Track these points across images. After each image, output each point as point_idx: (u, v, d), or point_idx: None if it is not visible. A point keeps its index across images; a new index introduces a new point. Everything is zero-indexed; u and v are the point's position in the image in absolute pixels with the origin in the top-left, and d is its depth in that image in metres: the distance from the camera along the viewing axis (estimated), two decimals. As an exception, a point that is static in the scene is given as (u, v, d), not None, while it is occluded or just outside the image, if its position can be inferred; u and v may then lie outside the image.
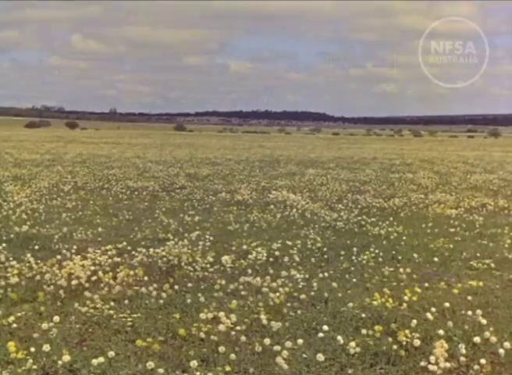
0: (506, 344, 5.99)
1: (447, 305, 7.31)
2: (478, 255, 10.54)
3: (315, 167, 31.27)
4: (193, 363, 5.52)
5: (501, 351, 5.89)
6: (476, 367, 5.62)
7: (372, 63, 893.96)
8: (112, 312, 7.06)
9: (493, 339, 6.14)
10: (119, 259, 9.23)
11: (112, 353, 5.69)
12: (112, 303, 7.36)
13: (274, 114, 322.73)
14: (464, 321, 6.85)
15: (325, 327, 6.48)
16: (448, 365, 5.63)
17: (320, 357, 5.66)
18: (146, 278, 8.43)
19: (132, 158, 35.11)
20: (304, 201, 16.71)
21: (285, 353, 5.72)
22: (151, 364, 5.50)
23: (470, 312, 7.01)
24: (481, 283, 8.64)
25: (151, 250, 9.71)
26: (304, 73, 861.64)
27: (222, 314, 6.67)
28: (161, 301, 7.48)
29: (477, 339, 6.13)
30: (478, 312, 6.93)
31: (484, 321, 6.71)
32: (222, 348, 5.88)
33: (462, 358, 5.76)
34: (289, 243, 10.81)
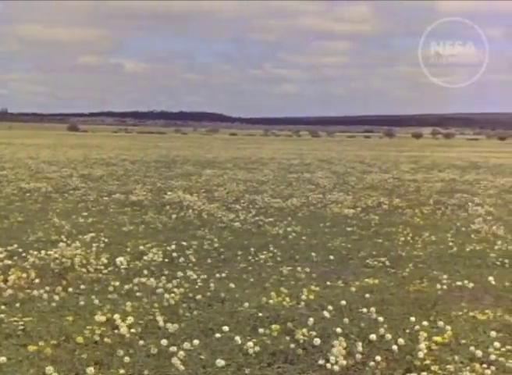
0: (400, 341, 6.08)
1: (344, 302, 7.38)
2: (374, 253, 10.68)
3: (212, 168, 31.24)
4: (89, 368, 5.40)
5: (395, 347, 5.96)
6: (372, 364, 5.66)
7: (271, 64, 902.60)
8: (2, 315, 6.83)
9: (388, 336, 6.22)
10: (10, 262, 9.01)
11: (3, 358, 5.50)
12: (3, 306, 7.14)
13: (170, 114, 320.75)
14: (360, 318, 6.92)
15: (223, 327, 6.42)
16: (345, 362, 5.65)
17: (217, 358, 5.61)
18: (38, 281, 8.23)
19: (24, 159, 34.32)
20: (201, 202, 16.62)
21: (181, 354, 5.64)
22: (50, 369, 5.33)
23: (366, 310, 7.11)
24: (376, 281, 8.77)
25: (44, 252, 9.44)
26: (202, 73, 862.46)
27: (116, 316, 6.57)
28: (54, 304, 7.29)
29: (373, 336, 6.19)
30: (373, 309, 7.04)
31: (379, 318, 6.80)
32: (116, 351, 5.79)
33: (358, 356, 5.80)
34: (185, 244, 10.74)
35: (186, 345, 5.87)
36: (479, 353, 5.89)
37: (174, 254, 9.94)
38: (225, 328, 6.42)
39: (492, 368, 5.62)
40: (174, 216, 14.39)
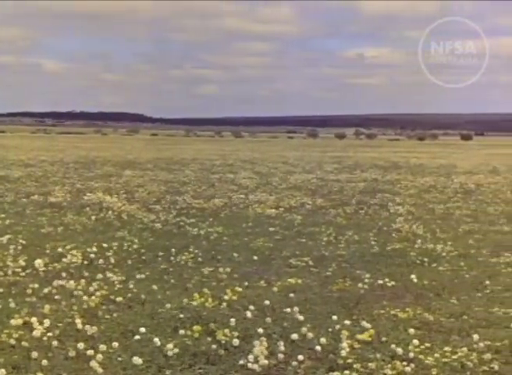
0: (323, 340, 6.09)
1: (267, 302, 7.37)
2: (297, 253, 10.68)
3: (133, 168, 30.91)
4: (2, 371, 5.25)
5: (317, 347, 5.97)
6: (294, 363, 5.65)
7: (192, 64, 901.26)
8: None
9: (310, 335, 6.23)
10: None
11: None
12: None
13: (90, 115, 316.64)
14: (283, 318, 6.90)
15: (142, 329, 6.34)
16: (267, 362, 5.62)
17: (136, 360, 5.53)
18: (-48, 284, 8.01)
19: None
20: (121, 203, 16.43)
21: (99, 357, 5.54)
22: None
23: (289, 310, 7.10)
24: (299, 281, 8.75)
25: (-42, 255, 9.25)
26: (121, 73, 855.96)
27: (34, 319, 6.44)
28: (-31, 309, 7.11)
29: (295, 336, 6.19)
30: (296, 308, 7.04)
31: (302, 318, 6.81)
32: (34, 354, 5.64)
33: (280, 355, 5.78)
34: (105, 245, 10.55)
35: (106, 348, 5.78)
36: (400, 351, 5.93)
37: (93, 255, 9.80)
38: (145, 330, 6.34)
39: (412, 365, 5.64)
40: (93, 217, 14.19)
